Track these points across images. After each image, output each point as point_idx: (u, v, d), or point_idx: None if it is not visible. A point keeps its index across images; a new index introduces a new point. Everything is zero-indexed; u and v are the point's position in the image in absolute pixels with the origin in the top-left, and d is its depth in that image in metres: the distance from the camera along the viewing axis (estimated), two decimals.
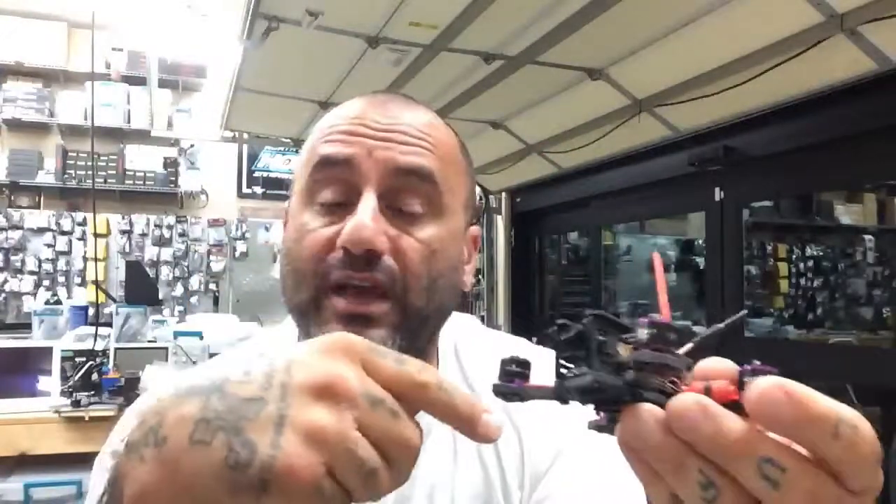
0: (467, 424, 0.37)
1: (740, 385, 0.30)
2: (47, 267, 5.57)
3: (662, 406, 0.30)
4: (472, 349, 0.75)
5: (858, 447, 0.28)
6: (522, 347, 0.78)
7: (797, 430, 0.28)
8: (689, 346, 0.33)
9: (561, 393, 0.33)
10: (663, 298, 0.35)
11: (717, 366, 0.32)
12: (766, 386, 0.28)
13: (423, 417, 0.37)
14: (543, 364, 0.37)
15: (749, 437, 0.28)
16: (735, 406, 0.30)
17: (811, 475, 0.28)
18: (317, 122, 0.71)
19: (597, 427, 0.34)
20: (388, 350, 0.38)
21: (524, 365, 0.35)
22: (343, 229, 0.60)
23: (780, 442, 0.28)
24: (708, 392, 0.30)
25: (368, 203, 0.61)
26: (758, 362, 0.30)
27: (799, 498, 0.28)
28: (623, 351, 0.33)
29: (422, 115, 0.68)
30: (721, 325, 0.35)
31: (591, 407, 0.33)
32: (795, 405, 0.27)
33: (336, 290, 0.61)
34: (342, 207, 0.63)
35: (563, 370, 0.34)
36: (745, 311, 0.39)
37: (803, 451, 0.28)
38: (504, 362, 0.35)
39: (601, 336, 0.33)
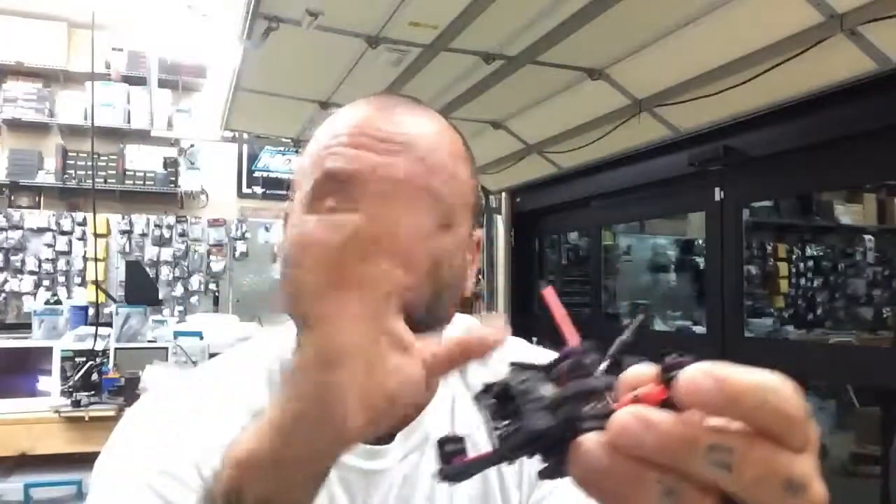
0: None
1: (666, 382, 0.30)
2: (47, 267, 5.57)
3: (603, 430, 0.30)
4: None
5: (786, 408, 0.29)
6: (523, 349, 0.78)
7: (729, 408, 0.28)
8: (604, 363, 0.33)
9: (503, 455, 0.33)
10: (567, 328, 0.36)
11: (638, 372, 0.32)
12: (691, 374, 0.29)
13: (422, 423, 0.37)
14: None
15: (689, 431, 0.29)
16: (667, 404, 0.30)
17: (756, 446, 0.29)
18: (318, 122, 0.70)
19: (548, 475, 0.33)
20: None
21: (457, 441, 0.35)
22: None
23: (717, 426, 0.29)
24: (637, 400, 0.30)
25: None
26: (674, 355, 0.31)
27: (752, 471, 0.28)
28: (552, 389, 0.33)
29: (427, 122, 0.67)
30: (625, 336, 0.35)
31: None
32: (721, 385, 0.28)
33: None
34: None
35: (496, 430, 0.33)
36: (643, 316, 0.40)
37: (738, 426, 0.29)
38: (438, 444, 0.35)
39: (523, 384, 0.33)
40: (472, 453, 0.34)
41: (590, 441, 0.31)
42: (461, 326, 0.74)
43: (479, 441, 0.38)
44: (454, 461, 0.34)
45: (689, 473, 0.29)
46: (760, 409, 0.28)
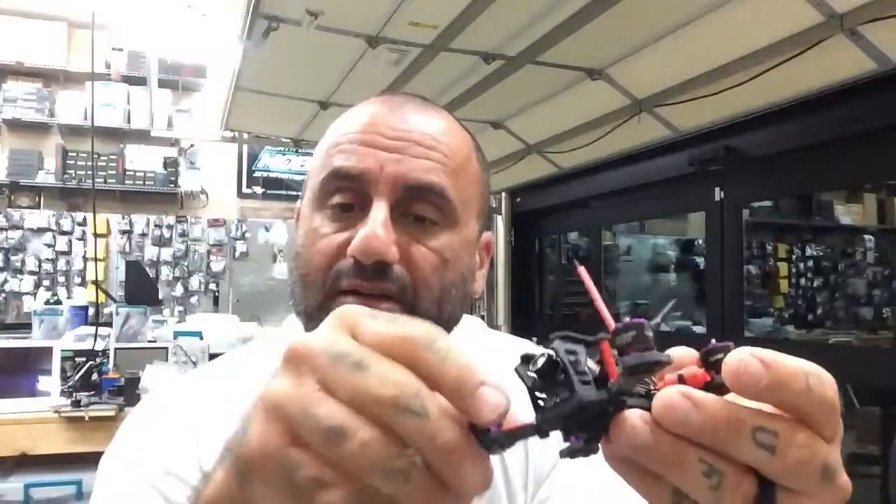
0: (456, 394, 0.31)
1: (708, 365, 0.31)
2: (47, 267, 5.57)
3: (646, 408, 0.30)
4: (476, 351, 0.75)
5: (827, 395, 0.30)
6: (526, 349, 0.78)
7: (774, 392, 0.29)
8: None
9: (541, 426, 0.32)
10: (603, 308, 0.34)
11: (680, 353, 0.32)
12: (739, 356, 0.29)
13: None
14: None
15: (737, 413, 0.29)
16: (709, 387, 0.30)
17: (799, 431, 0.29)
18: (319, 121, 0.71)
19: (570, 453, 0.32)
20: (389, 314, 0.34)
21: None
22: (353, 237, 0.60)
23: (763, 409, 0.30)
24: (682, 380, 0.31)
25: (379, 212, 0.60)
26: (713, 341, 0.31)
27: (794, 455, 0.29)
28: (593, 365, 0.32)
29: (437, 121, 0.67)
30: (658, 319, 0.35)
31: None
32: (768, 368, 0.29)
33: (344, 296, 0.61)
34: (353, 212, 0.62)
35: (540, 402, 0.32)
36: (674, 301, 0.39)
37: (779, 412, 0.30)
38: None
39: (570, 355, 0.32)
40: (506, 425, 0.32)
41: (634, 416, 0.30)
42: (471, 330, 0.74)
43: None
44: (490, 431, 0.32)
45: (732, 454, 0.29)
46: (803, 396, 0.29)
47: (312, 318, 0.63)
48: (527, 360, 0.33)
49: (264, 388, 0.34)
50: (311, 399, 0.31)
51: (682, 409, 0.29)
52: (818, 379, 0.30)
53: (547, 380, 0.32)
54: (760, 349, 0.30)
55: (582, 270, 0.36)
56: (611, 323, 0.33)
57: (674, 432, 0.30)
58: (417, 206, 0.63)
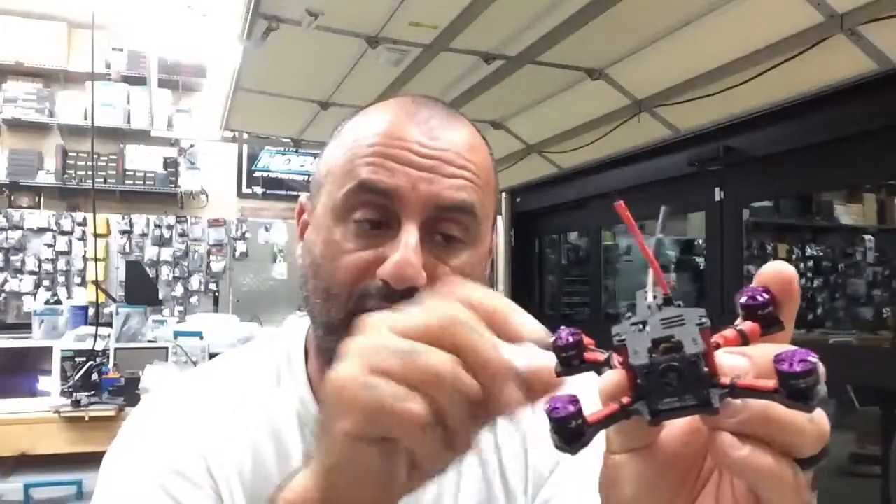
0: (501, 320, 0.39)
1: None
2: (47, 267, 5.57)
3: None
4: None
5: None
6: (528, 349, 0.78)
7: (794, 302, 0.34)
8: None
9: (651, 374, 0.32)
10: (643, 246, 0.35)
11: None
12: (778, 265, 0.33)
13: None
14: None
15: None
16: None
17: None
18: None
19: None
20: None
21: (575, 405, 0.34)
22: (383, 258, 0.59)
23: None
24: (744, 336, 0.32)
25: (411, 237, 0.59)
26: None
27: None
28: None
29: (464, 134, 0.66)
30: (658, 232, 0.38)
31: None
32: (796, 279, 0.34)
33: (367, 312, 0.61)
34: (379, 230, 0.61)
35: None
36: (667, 208, 0.38)
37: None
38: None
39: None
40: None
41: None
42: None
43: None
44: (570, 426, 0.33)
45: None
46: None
47: (332, 331, 0.62)
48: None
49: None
50: (384, 338, 0.38)
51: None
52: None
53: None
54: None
55: (620, 206, 0.36)
56: (662, 281, 0.34)
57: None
58: (445, 225, 0.62)
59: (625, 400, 0.32)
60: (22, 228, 5.55)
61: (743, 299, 0.32)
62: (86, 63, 4.21)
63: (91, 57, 3.39)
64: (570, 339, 0.35)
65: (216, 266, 5.95)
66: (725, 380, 0.31)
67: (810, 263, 5.16)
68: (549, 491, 0.68)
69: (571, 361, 0.35)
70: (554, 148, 3.65)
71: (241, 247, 6.03)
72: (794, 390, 0.29)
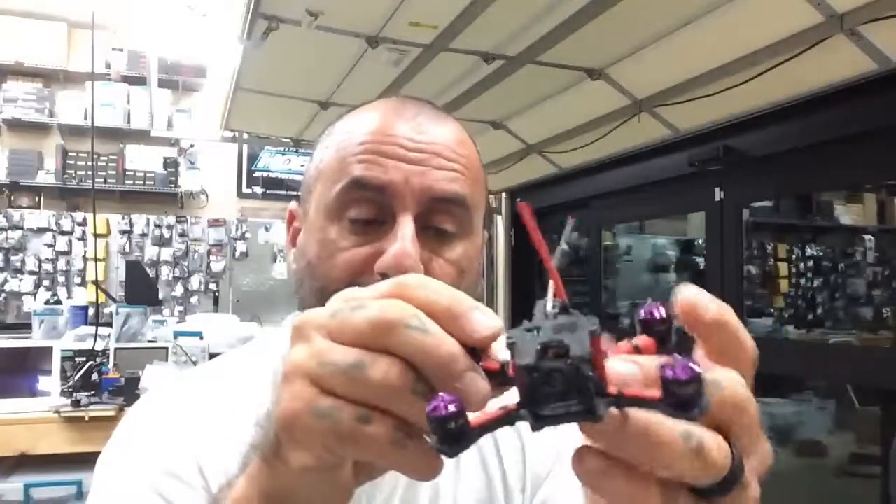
0: (450, 317, 0.32)
1: (647, 331, 0.32)
2: (47, 267, 5.57)
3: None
4: None
5: (750, 353, 0.33)
6: None
7: (718, 330, 0.32)
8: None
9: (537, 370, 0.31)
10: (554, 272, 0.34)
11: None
12: (694, 290, 0.33)
13: None
14: None
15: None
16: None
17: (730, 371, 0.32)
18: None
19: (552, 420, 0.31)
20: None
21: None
22: (379, 253, 0.59)
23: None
24: (638, 350, 0.32)
25: (408, 228, 0.60)
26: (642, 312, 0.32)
27: (734, 391, 0.31)
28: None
29: (452, 130, 0.66)
30: (562, 245, 0.37)
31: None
32: (719, 305, 0.32)
33: None
34: (374, 226, 0.62)
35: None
36: (572, 220, 0.37)
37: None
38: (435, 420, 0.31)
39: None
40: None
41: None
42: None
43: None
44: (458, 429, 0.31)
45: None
46: (733, 340, 0.33)
47: None
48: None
49: (280, 364, 0.36)
50: (323, 350, 0.33)
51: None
52: (746, 338, 0.33)
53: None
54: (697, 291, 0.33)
55: (524, 208, 0.34)
56: (560, 289, 0.34)
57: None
58: (439, 217, 0.62)
59: (511, 405, 0.31)
60: (22, 228, 5.55)
61: (640, 314, 0.32)
62: (86, 63, 4.21)
63: (91, 57, 3.39)
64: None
65: (216, 266, 5.95)
66: (613, 389, 0.30)
67: (810, 263, 5.16)
68: (546, 491, 0.68)
69: None
70: (554, 148, 3.64)
71: (241, 247, 6.03)
72: (676, 397, 0.29)
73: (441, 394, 0.31)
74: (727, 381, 0.31)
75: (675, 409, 0.29)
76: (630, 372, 0.30)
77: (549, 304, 0.33)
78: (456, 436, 0.31)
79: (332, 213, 0.63)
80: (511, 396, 0.32)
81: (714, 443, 0.30)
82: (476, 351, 0.33)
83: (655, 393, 0.29)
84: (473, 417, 0.31)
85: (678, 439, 0.29)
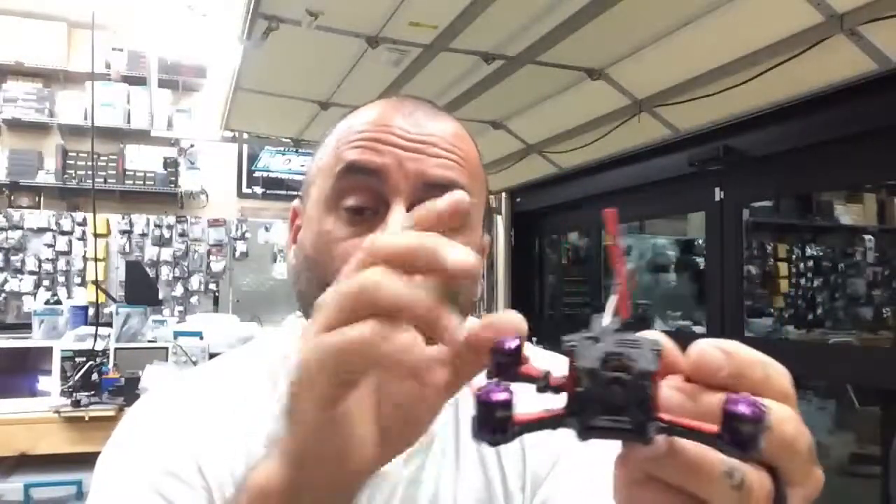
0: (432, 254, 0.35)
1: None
2: (47, 267, 5.57)
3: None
4: None
5: (784, 384, 0.31)
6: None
7: (736, 380, 0.30)
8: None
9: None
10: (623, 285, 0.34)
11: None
12: (703, 347, 0.31)
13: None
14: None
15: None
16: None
17: (783, 407, 0.31)
18: (321, 122, 0.70)
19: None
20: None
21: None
22: None
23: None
24: (688, 377, 0.31)
25: (399, 217, 0.59)
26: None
27: (788, 430, 0.30)
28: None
29: (450, 125, 0.66)
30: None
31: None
32: (730, 357, 0.30)
33: None
34: (369, 215, 0.61)
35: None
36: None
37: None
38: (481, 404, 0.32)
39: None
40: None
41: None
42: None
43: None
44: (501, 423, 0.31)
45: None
46: (762, 385, 0.30)
47: None
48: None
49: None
50: (321, 317, 0.37)
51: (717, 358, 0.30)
52: (775, 370, 0.31)
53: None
54: (721, 340, 0.31)
55: (610, 215, 0.35)
56: (625, 305, 0.33)
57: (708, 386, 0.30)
58: None
59: (556, 409, 0.31)
60: (22, 228, 5.54)
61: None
62: (86, 63, 4.21)
63: (91, 57, 3.39)
64: (510, 347, 0.33)
65: (216, 266, 5.95)
66: (665, 415, 0.29)
67: (810, 263, 5.16)
68: (546, 491, 0.68)
69: (506, 368, 0.33)
70: (554, 148, 3.64)
71: (241, 247, 6.03)
72: (736, 435, 0.28)
73: (495, 379, 0.31)
74: (776, 419, 0.29)
75: (732, 447, 0.28)
76: (684, 399, 0.30)
77: (607, 317, 0.32)
78: (498, 426, 0.30)
79: (328, 203, 0.63)
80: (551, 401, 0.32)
81: (757, 481, 0.29)
82: (516, 355, 0.32)
83: (711, 426, 0.28)
84: (519, 413, 0.31)
85: (722, 475, 0.29)
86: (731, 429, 0.28)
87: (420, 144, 0.62)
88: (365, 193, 0.62)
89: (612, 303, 0.33)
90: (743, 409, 0.28)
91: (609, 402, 0.29)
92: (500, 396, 0.30)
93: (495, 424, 0.30)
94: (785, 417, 0.30)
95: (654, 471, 0.30)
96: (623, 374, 0.29)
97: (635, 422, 0.29)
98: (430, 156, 0.62)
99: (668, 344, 0.31)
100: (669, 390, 0.30)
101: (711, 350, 0.30)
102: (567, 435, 0.31)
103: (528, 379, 0.32)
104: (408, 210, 0.60)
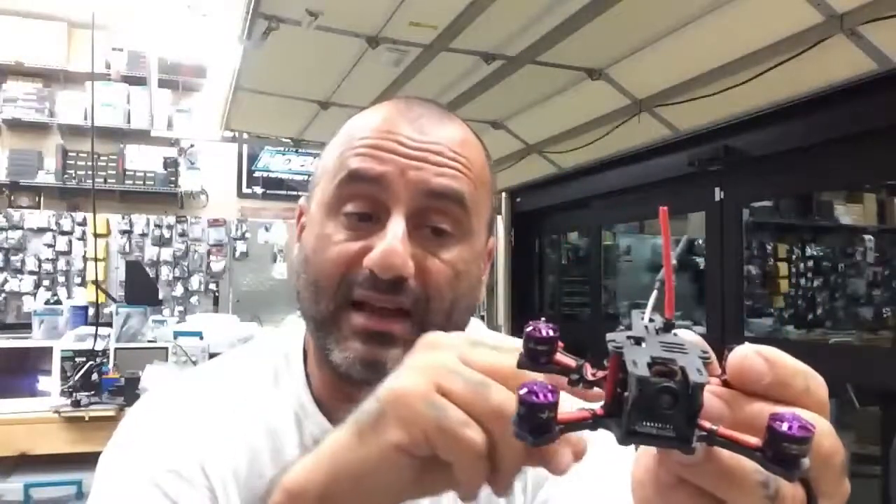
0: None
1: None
2: (47, 267, 5.57)
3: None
4: None
5: (823, 397, 0.32)
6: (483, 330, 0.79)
7: (777, 390, 0.30)
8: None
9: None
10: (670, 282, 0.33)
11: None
12: (746, 354, 0.30)
13: None
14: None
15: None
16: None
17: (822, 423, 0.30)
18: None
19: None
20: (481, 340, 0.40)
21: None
22: (370, 248, 0.59)
23: None
24: (727, 384, 0.31)
25: (398, 226, 0.59)
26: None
27: (827, 446, 0.30)
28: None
29: (456, 131, 0.66)
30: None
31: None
32: (773, 367, 0.30)
33: (356, 306, 0.61)
34: (368, 221, 0.62)
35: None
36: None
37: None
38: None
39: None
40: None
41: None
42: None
43: None
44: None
45: None
46: (803, 396, 0.30)
47: (323, 328, 0.63)
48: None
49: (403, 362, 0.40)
50: (454, 362, 0.38)
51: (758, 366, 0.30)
52: (815, 381, 0.31)
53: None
54: (762, 346, 0.30)
55: (663, 212, 0.35)
56: (671, 305, 0.33)
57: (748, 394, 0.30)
58: (435, 216, 0.62)
59: (598, 410, 0.31)
60: (22, 228, 5.54)
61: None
62: (86, 63, 4.21)
63: (91, 57, 3.39)
64: (547, 333, 0.32)
65: (216, 266, 5.95)
66: (706, 423, 0.29)
67: (810, 263, 5.15)
68: (547, 492, 0.68)
69: (539, 357, 0.33)
70: (554, 148, 3.65)
71: (241, 247, 6.03)
72: (780, 454, 0.27)
73: (540, 381, 0.30)
74: (817, 435, 0.29)
75: (775, 464, 0.28)
76: (724, 407, 0.30)
77: (648, 316, 0.33)
78: (542, 426, 0.30)
79: (330, 207, 0.63)
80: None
81: (791, 492, 0.29)
82: (552, 343, 0.33)
83: (754, 440, 0.28)
84: (561, 413, 0.31)
85: (757, 485, 0.29)
86: (776, 447, 0.27)
87: (423, 152, 0.62)
88: (366, 200, 0.62)
89: (653, 299, 0.34)
90: (792, 430, 0.27)
91: (655, 410, 0.29)
92: (548, 398, 0.30)
93: (539, 426, 0.30)
94: (825, 432, 0.30)
95: (688, 475, 0.30)
96: (672, 384, 0.28)
97: (679, 430, 0.28)
98: (433, 164, 0.62)
99: (708, 348, 0.31)
100: (710, 397, 0.30)
101: (754, 357, 0.30)
102: (605, 436, 0.31)
103: (562, 370, 0.32)
104: (409, 220, 0.60)
